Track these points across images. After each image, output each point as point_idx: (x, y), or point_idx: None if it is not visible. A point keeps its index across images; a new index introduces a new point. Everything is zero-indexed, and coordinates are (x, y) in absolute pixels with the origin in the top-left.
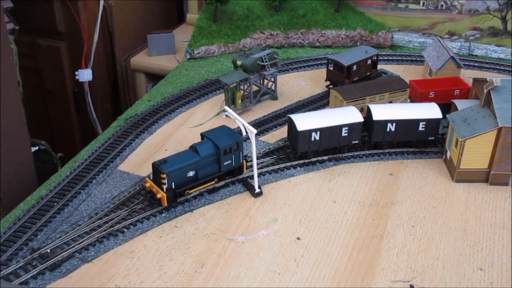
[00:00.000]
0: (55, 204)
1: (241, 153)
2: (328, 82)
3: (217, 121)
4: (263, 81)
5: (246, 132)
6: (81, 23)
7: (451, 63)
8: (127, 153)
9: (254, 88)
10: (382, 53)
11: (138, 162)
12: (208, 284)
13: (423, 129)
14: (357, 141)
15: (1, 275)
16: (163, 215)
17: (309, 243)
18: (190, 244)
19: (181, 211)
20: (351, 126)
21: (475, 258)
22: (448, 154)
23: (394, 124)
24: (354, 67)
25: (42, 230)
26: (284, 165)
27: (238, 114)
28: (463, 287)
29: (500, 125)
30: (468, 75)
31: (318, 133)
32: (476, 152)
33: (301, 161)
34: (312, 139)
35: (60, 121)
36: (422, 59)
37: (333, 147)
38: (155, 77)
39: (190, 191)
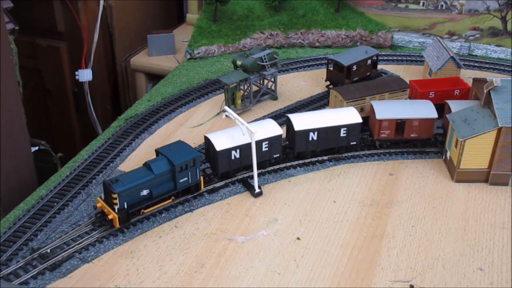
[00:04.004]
0: (55, 204)
1: (198, 169)
2: (328, 82)
3: (217, 121)
4: (263, 81)
5: (246, 132)
6: (81, 23)
7: (451, 63)
8: (127, 153)
9: (254, 88)
10: (382, 53)
11: (138, 162)
12: (208, 284)
13: (345, 134)
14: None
15: (1, 275)
16: (163, 215)
17: (309, 243)
18: (190, 244)
19: (181, 211)
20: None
21: (475, 258)
22: (448, 154)
23: (316, 132)
24: (354, 67)
25: (42, 230)
26: (284, 165)
27: (238, 114)
28: (463, 287)
29: (500, 125)
30: (468, 75)
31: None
32: (476, 152)
33: (301, 161)
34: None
35: (60, 121)
36: (422, 59)
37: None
38: (155, 77)
39: (145, 211)
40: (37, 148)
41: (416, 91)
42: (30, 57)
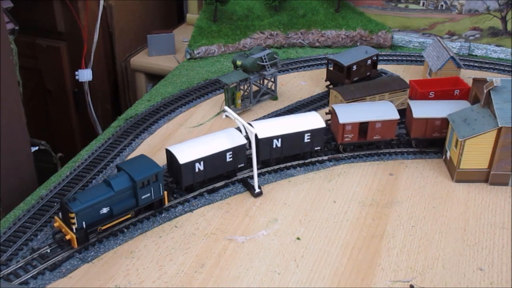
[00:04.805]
0: (55, 204)
1: (161, 184)
2: (328, 82)
3: (217, 121)
4: (263, 81)
5: (246, 132)
6: (81, 23)
7: (451, 63)
8: (127, 153)
9: (254, 88)
10: (382, 53)
11: None
12: (208, 284)
13: (309, 140)
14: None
15: (1, 275)
16: (163, 215)
17: (309, 243)
18: (190, 244)
19: (181, 211)
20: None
21: (475, 258)
22: (448, 154)
23: (280, 139)
24: (354, 67)
25: (42, 230)
26: (284, 165)
27: (238, 114)
28: (463, 287)
29: (500, 125)
30: (468, 75)
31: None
32: (476, 152)
33: (301, 161)
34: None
35: (60, 121)
36: (422, 59)
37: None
38: (155, 77)
39: (103, 227)
40: (37, 148)
41: (416, 91)
42: (30, 57)
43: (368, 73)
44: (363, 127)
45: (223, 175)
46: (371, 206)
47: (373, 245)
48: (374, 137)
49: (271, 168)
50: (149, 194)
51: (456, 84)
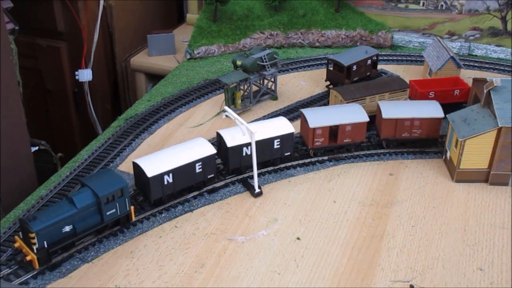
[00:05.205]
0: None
1: (127, 199)
2: (328, 82)
3: (217, 121)
4: (263, 81)
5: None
6: (81, 23)
7: (451, 63)
8: (127, 153)
9: (254, 88)
10: (382, 53)
11: None
12: (208, 284)
13: (279, 146)
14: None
15: (1, 275)
16: (163, 215)
17: (309, 243)
18: (190, 244)
19: (181, 211)
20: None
21: (475, 258)
22: (448, 154)
23: (249, 146)
24: (354, 67)
25: None
26: (284, 165)
27: (238, 114)
28: (463, 287)
29: (500, 125)
30: (468, 75)
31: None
32: (476, 152)
33: (301, 161)
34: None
35: (60, 121)
36: (422, 59)
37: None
38: (155, 77)
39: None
40: (37, 148)
41: (416, 91)
42: (30, 57)
43: (368, 73)
44: (333, 131)
45: (193, 186)
46: (371, 206)
47: (373, 245)
48: (345, 140)
49: (271, 168)
50: (114, 210)
51: (456, 84)
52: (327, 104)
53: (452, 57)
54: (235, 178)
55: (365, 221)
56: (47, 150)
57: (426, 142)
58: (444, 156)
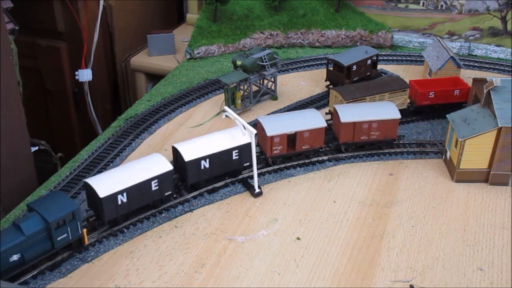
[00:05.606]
0: None
1: (78, 223)
2: (328, 82)
3: (217, 121)
4: (263, 81)
5: (246, 133)
6: (81, 23)
7: (451, 63)
8: (127, 153)
9: (254, 88)
10: (382, 53)
11: None
12: (208, 284)
13: (237, 157)
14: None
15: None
16: (163, 215)
17: (309, 243)
18: (190, 244)
19: (181, 211)
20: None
21: (475, 258)
22: (448, 154)
23: (207, 160)
24: (354, 67)
25: None
26: (284, 165)
27: (238, 114)
28: (463, 287)
29: (500, 125)
30: (468, 75)
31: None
32: (476, 152)
33: (301, 161)
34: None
35: (60, 121)
36: (422, 59)
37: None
38: (155, 77)
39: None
40: (37, 148)
41: (416, 91)
42: (30, 57)
43: (368, 73)
44: (291, 138)
45: (149, 205)
46: (371, 206)
47: (373, 245)
48: (303, 147)
49: (271, 168)
50: (66, 235)
51: (456, 84)
52: (327, 104)
53: (452, 57)
54: (235, 178)
55: (365, 221)
56: (47, 150)
57: (383, 144)
58: (444, 156)
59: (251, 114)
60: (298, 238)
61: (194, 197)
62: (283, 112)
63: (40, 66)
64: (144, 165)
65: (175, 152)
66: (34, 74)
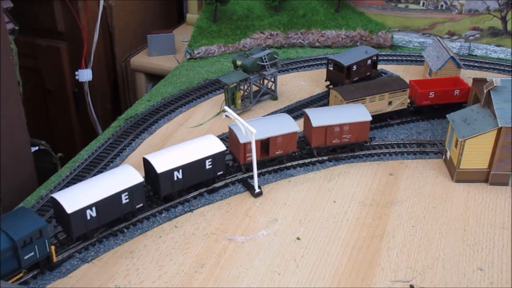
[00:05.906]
0: None
1: (46, 240)
2: (328, 82)
3: (217, 121)
4: (263, 81)
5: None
6: (81, 23)
7: (451, 63)
8: (127, 153)
9: (254, 88)
10: (382, 53)
11: (138, 162)
12: (208, 284)
13: (211, 166)
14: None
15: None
16: (163, 215)
17: (309, 243)
18: (190, 244)
19: (181, 211)
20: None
21: (475, 258)
22: (448, 154)
23: (180, 170)
24: (354, 67)
25: None
26: (284, 165)
27: (238, 114)
28: (463, 287)
29: (500, 125)
30: (468, 75)
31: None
32: (476, 152)
33: (301, 161)
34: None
35: (60, 121)
36: (422, 59)
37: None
38: (155, 77)
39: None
40: (37, 148)
41: (416, 91)
42: (30, 57)
43: (368, 73)
44: (264, 144)
45: (120, 218)
46: (371, 206)
47: (373, 245)
48: (277, 152)
49: (271, 168)
50: (33, 253)
51: (456, 84)
52: (327, 104)
53: (452, 57)
54: (235, 178)
55: (365, 221)
56: (47, 150)
57: (355, 146)
58: (444, 156)
59: (251, 114)
60: (298, 238)
61: (194, 197)
62: (283, 111)
63: (40, 66)
64: (114, 178)
65: (147, 163)
66: (34, 74)
